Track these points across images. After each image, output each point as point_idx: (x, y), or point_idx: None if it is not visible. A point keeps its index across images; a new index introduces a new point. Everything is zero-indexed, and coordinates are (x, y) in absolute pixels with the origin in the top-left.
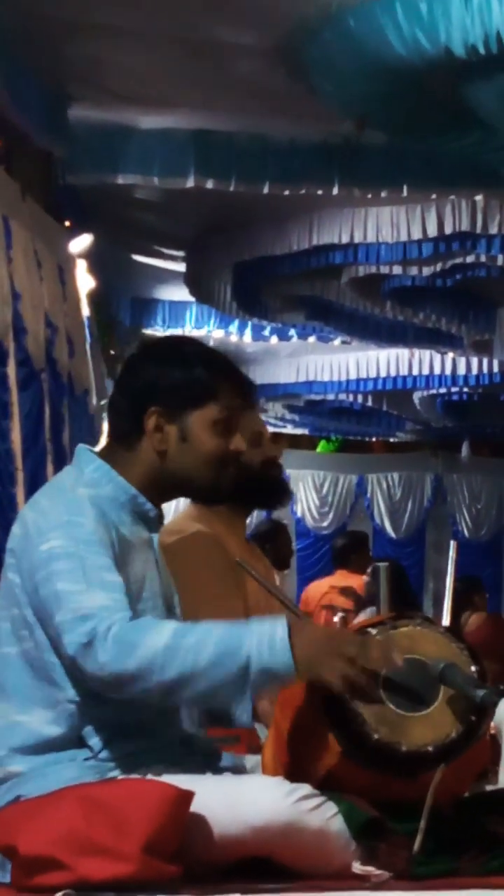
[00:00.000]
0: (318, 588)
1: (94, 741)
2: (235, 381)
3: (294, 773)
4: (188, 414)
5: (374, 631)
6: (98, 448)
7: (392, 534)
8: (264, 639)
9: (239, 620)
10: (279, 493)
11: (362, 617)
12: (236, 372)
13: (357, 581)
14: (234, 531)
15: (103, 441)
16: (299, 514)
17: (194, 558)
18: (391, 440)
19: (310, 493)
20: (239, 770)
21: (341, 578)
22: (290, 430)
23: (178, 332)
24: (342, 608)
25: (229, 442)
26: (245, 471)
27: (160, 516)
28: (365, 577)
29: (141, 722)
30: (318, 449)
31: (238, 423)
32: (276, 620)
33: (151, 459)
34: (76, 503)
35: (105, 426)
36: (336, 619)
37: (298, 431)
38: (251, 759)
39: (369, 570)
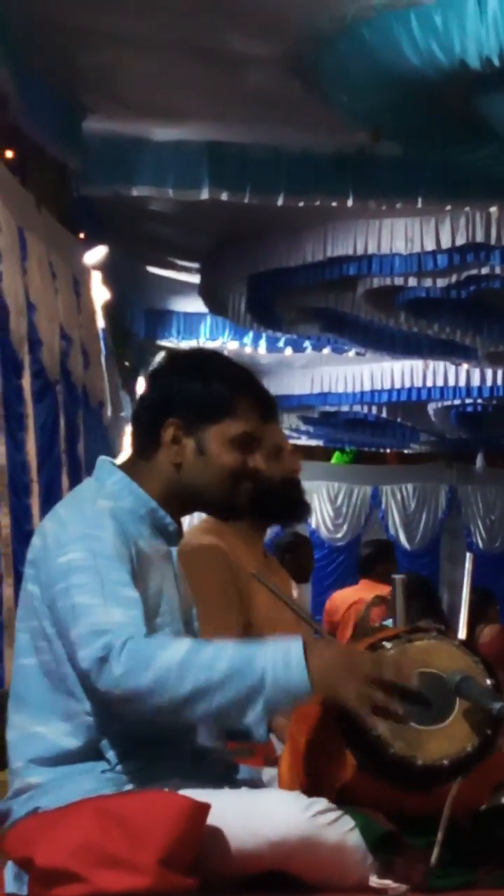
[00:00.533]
0: (344, 598)
1: (112, 754)
2: (256, 397)
3: (310, 786)
4: (205, 428)
5: (388, 645)
6: (119, 460)
7: (406, 545)
8: (279, 656)
9: (249, 639)
10: (297, 509)
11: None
12: (258, 388)
13: (382, 590)
14: (249, 544)
15: (124, 453)
16: (314, 525)
17: (195, 571)
18: (405, 451)
19: (324, 505)
20: (256, 783)
21: (366, 588)
22: (304, 441)
23: (192, 343)
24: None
25: (248, 459)
26: (263, 485)
27: (179, 530)
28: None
29: (158, 735)
30: (333, 460)
31: (259, 440)
32: (292, 639)
33: (168, 471)
34: (96, 516)
35: (122, 437)
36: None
37: (313, 443)
38: (267, 772)
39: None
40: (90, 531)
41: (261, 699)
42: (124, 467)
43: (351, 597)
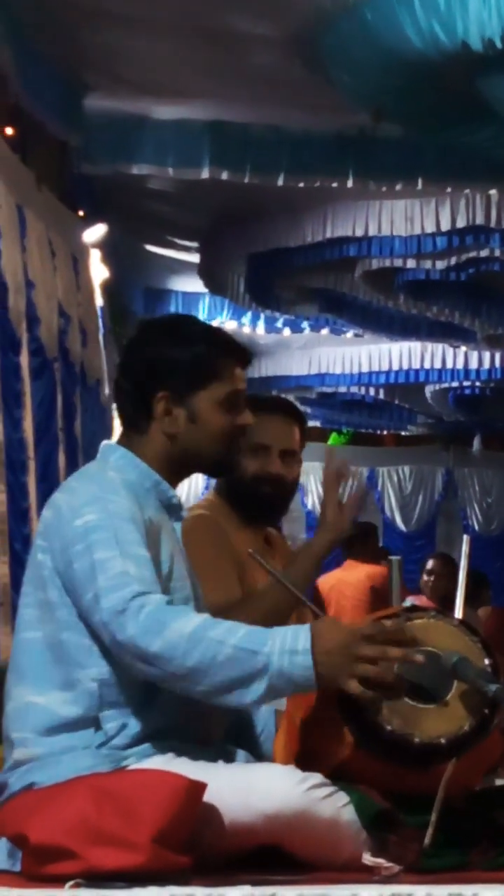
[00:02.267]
0: (326, 580)
1: (110, 725)
2: (235, 355)
3: (306, 762)
4: (195, 395)
5: (388, 623)
6: (114, 439)
7: (402, 527)
8: (286, 644)
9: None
10: (266, 512)
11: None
12: (237, 347)
13: (365, 570)
14: (242, 529)
15: (117, 431)
16: (310, 506)
17: (190, 540)
18: (402, 433)
19: (320, 486)
20: (251, 761)
21: (350, 568)
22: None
23: None
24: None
25: (236, 418)
26: (237, 480)
27: (181, 505)
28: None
29: (157, 708)
30: (330, 441)
31: (244, 397)
32: (301, 628)
33: (162, 441)
34: (109, 482)
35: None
36: None
37: (310, 423)
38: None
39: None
40: (104, 494)
41: (263, 683)
42: (121, 442)
43: (331, 579)
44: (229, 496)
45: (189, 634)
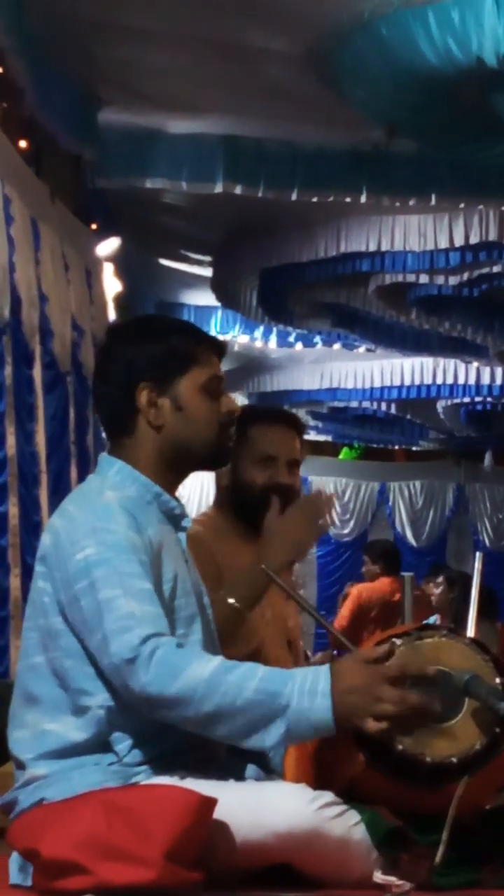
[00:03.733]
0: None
1: (121, 747)
2: (209, 342)
3: (317, 781)
4: (177, 382)
5: (399, 641)
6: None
7: (413, 542)
8: (306, 685)
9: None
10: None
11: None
12: (209, 336)
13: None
14: (246, 543)
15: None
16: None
17: (201, 552)
18: (414, 448)
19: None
20: (262, 779)
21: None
22: (313, 436)
23: None
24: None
25: (220, 403)
26: (245, 492)
27: (184, 514)
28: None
29: (167, 728)
30: (341, 456)
31: (222, 384)
32: (320, 669)
33: (153, 438)
34: (105, 509)
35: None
36: None
37: (321, 438)
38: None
39: (439, 578)
40: (101, 524)
41: (282, 726)
42: (114, 454)
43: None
44: (235, 509)
45: (207, 679)
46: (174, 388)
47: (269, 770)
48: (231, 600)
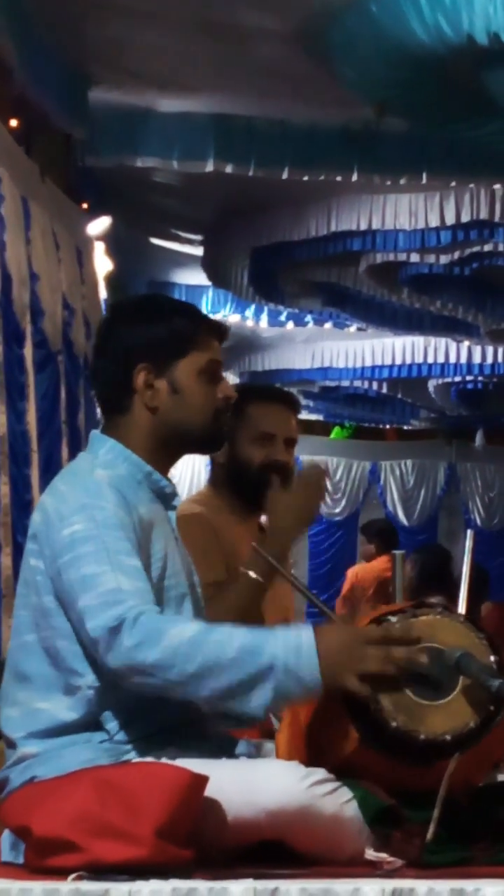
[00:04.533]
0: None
1: (112, 725)
2: (213, 328)
3: (310, 758)
4: (175, 365)
5: (394, 619)
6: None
7: (404, 521)
8: (290, 643)
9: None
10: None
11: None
12: (211, 320)
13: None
14: (243, 520)
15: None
16: None
17: (184, 534)
18: (405, 428)
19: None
20: (253, 756)
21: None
22: (304, 415)
23: None
24: None
25: (217, 388)
26: (243, 469)
27: (174, 493)
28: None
29: (158, 706)
30: (332, 435)
31: (221, 369)
32: (303, 626)
33: (146, 417)
34: (95, 486)
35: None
36: None
37: (312, 417)
38: (265, 745)
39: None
40: (91, 501)
41: (269, 684)
42: (107, 431)
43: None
44: (232, 487)
45: (190, 639)
46: (172, 371)
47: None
48: (252, 574)
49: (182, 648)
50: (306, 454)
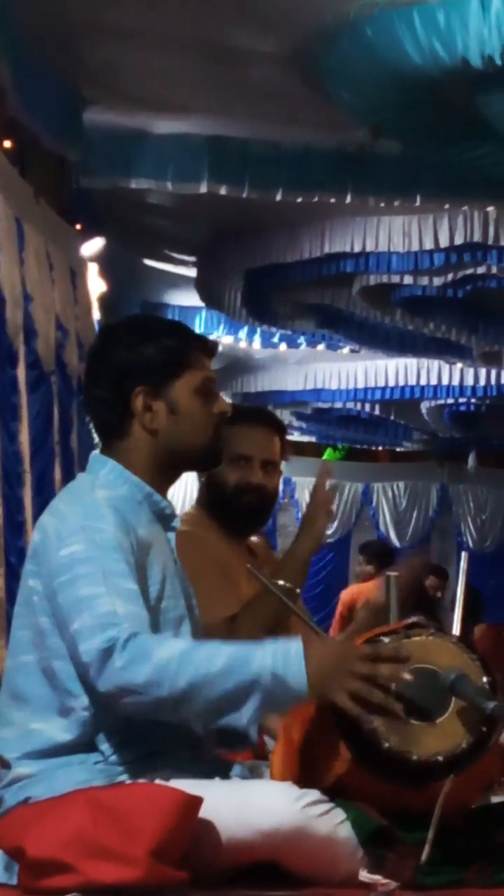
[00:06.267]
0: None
1: (105, 746)
2: (204, 345)
3: (303, 779)
4: (171, 386)
5: (386, 640)
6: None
7: (397, 543)
8: (279, 653)
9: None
10: (250, 520)
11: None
12: (201, 337)
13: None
14: (232, 541)
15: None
16: None
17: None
18: (397, 449)
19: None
20: (247, 777)
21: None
22: (296, 437)
23: None
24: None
25: (213, 405)
26: (219, 491)
27: (174, 514)
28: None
29: (152, 727)
30: (324, 456)
31: (215, 384)
32: (290, 638)
33: (146, 440)
34: (95, 507)
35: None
36: None
37: (305, 439)
38: (259, 766)
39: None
40: (90, 523)
41: (258, 695)
42: (106, 454)
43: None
44: (211, 508)
45: (179, 655)
46: (169, 392)
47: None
48: (281, 582)
49: (171, 665)
50: (299, 476)
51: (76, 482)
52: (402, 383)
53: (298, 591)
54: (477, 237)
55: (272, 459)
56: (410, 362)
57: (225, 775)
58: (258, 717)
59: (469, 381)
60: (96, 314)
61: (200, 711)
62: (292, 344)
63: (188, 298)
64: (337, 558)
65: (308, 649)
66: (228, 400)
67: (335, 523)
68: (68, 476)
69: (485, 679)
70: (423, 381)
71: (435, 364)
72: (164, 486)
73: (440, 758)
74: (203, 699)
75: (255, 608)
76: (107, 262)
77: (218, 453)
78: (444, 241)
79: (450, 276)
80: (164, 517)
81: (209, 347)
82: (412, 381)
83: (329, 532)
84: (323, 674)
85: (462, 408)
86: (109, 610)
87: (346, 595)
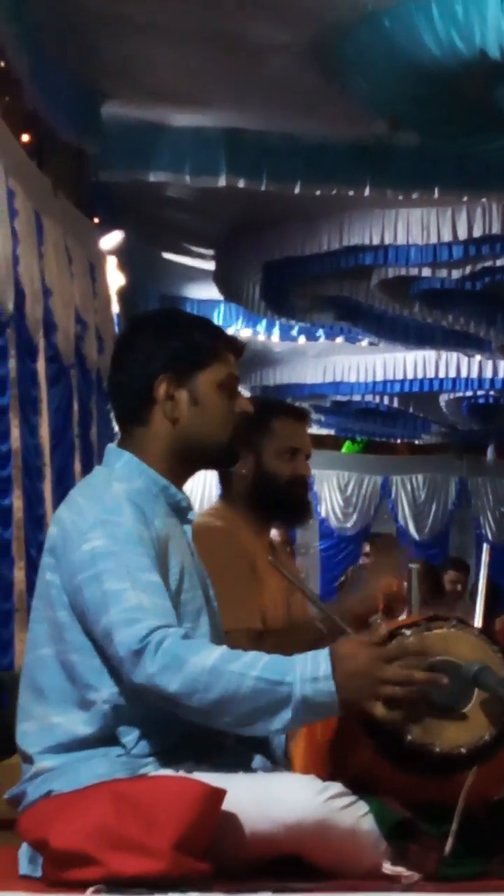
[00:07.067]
0: None
1: (128, 739)
2: (229, 341)
3: (326, 772)
4: (196, 377)
5: (408, 632)
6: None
7: (416, 535)
8: (307, 672)
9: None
10: (300, 511)
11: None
12: (229, 335)
13: None
14: (256, 534)
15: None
16: (323, 514)
17: (205, 552)
18: (416, 442)
19: (334, 494)
20: (269, 770)
21: None
22: (315, 430)
23: None
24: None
25: (235, 403)
26: (271, 482)
27: (190, 507)
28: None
29: (174, 720)
30: (343, 449)
31: (238, 384)
32: (320, 654)
33: (166, 429)
34: (113, 501)
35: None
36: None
37: (324, 431)
38: (281, 758)
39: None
40: (109, 517)
41: (288, 713)
42: (124, 445)
43: None
44: (256, 500)
45: (210, 669)
46: (192, 382)
47: (275, 761)
48: (319, 624)
49: (203, 678)
50: (318, 469)
51: (92, 475)
52: (420, 376)
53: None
54: (496, 229)
55: (310, 452)
56: (429, 355)
57: (247, 768)
58: (288, 728)
59: (488, 373)
60: (115, 307)
61: (228, 723)
62: (311, 337)
63: (207, 292)
64: (356, 551)
65: (337, 667)
66: (248, 393)
67: (354, 516)
68: (88, 469)
69: None
70: (441, 374)
71: (454, 357)
72: (181, 480)
73: (463, 750)
74: (231, 714)
75: (287, 639)
76: (125, 256)
77: (235, 451)
78: (462, 234)
79: (468, 269)
80: (180, 510)
81: (237, 347)
82: (431, 374)
83: (348, 525)
84: (353, 689)
85: (481, 400)
86: (135, 604)
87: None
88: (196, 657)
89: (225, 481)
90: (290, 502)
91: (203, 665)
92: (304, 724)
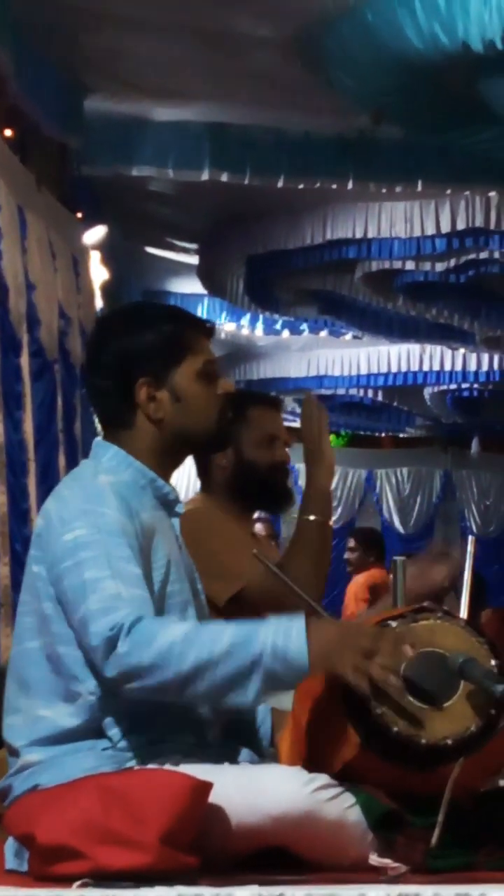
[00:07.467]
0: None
1: (114, 731)
2: (202, 327)
3: (312, 764)
4: (173, 373)
5: (394, 624)
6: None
7: (401, 529)
8: (280, 628)
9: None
10: (282, 498)
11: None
12: (199, 319)
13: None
14: (239, 526)
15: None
16: None
17: (204, 528)
18: (401, 435)
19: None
20: (256, 762)
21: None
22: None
23: None
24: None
25: (216, 387)
26: (251, 471)
27: (177, 499)
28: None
29: (160, 712)
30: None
31: (217, 366)
32: (293, 615)
33: (151, 430)
34: (98, 492)
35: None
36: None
37: None
38: (267, 751)
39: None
40: (93, 507)
41: (260, 671)
42: (109, 440)
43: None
44: (237, 489)
45: (182, 638)
46: (171, 380)
47: (262, 754)
48: (311, 517)
49: (175, 648)
50: (301, 462)
51: (79, 468)
52: (404, 369)
53: (330, 523)
54: (479, 222)
55: (288, 439)
56: (413, 348)
57: (234, 760)
58: (263, 695)
59: (472, 366)
60: (99, 302)
61: (206, 692)
62: (295, 331)
63: (190, 286)
64: (340, 544)
65: (311, 625)
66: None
67: (339, 509)
68: (72, 464)
69: (493, 662)
70: (425, 367)
71: (437, 350)
72: (168, 471)
73: (449, 741)
74: (208, 680)
75: (297, 544)
76: (109, 251)
77: (225, 434)
78: (445, 227)
79: (452, 262)
80: (167, 503)
81: (207, 329)
82: (415, 367)
83: (333, 518)
84: (326, 649)
85: (465, 393)
86: (113, 593)
87: (362, 581)
88: (167, 630)
89: (204, 473)
90: (272, 489)
91: (174, 635)
92: (280, 685)
